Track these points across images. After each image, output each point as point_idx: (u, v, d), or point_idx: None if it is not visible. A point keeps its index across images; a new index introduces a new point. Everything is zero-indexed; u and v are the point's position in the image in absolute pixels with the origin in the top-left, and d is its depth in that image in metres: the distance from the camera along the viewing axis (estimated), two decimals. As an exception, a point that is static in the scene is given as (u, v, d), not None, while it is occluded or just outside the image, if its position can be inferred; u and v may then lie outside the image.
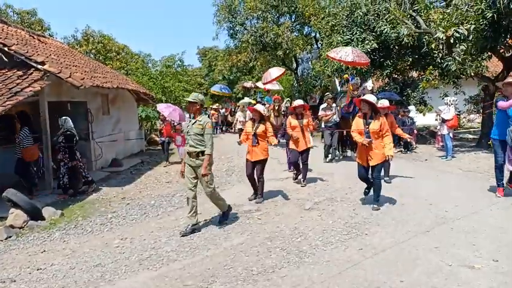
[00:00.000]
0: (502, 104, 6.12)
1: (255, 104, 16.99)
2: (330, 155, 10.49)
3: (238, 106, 19.10)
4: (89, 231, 5.93)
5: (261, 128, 6.70)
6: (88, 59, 14.88)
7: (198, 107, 5.56)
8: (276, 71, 13.95)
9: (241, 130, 16.75)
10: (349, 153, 11.13)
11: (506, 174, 6.55)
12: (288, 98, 14.89)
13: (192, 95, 5.70)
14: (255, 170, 6.78)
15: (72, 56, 12.28)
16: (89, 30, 22.98)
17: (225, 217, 5.88)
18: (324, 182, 8.07)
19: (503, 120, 6.23)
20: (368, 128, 5.95)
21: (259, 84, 17.42)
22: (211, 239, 5.22)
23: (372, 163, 5.97)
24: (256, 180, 6.83)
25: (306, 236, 5.08)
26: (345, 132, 10.71)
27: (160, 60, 22.69)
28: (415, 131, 12.19)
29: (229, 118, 21.34)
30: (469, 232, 4.89)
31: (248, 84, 22.41)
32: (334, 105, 10.47)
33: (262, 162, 6.80)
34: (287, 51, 21.08)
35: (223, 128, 22.47)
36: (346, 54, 10.14)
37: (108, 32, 34.53)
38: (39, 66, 8.19)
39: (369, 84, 9.34)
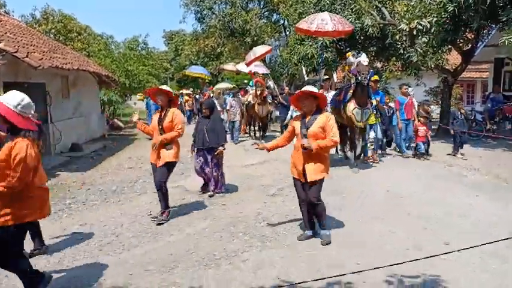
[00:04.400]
0: None
1: (237, 89, 14.96)
2: None
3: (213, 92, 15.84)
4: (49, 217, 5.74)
5: None
6: (47, 38, 14.21)
7: None
8: (259, 49, 12.30)
9: None
10: (348, 153, 8.79)
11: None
12: (270, 78, 12.98)
13: None
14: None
15: (30, 35, 11.68)
16: (49, 9, 21.91)
17: None
18: (287, 168, 8.14)
19: None
20: (306, 131, 4.26)
21: (240, 66, 15.82)
22: (174, 224, 5.19)
23: (308, 178, 4.30)
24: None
25: (269, 221, 5.15)
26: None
27: (124, 42, 21.88)
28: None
29: None
30: (423, 217, 5.12)
31: (229, 67, 18.94)
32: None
33: None
34: (255, 38, 20.97)
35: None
36: (323, 22, 7.79)
37: (69, 12, 33.06)
38: (-7, 44, 7.76)
39: (363, 59, 7.19)
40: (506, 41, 8.67)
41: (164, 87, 5.47)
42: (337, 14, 12.37)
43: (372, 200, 5.90)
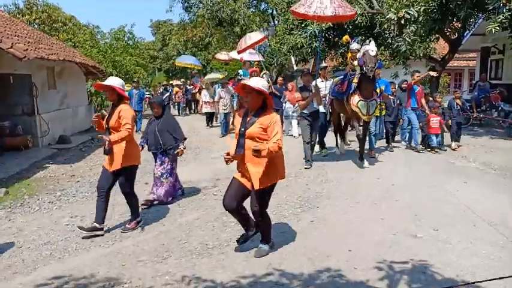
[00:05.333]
0: None
1: (229, 79, 14.70)
2: (312, 157, 7.53)
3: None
4: (36, 209, 5.70)
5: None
6: (32, 29, 13.92)
7: None
8: (253, 36, 11.43)
9: (209, 115, 13.90)
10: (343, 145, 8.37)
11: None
12: (266, 71, 12.22)
13: None
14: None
15: (14, 26, 11.43)
16: (32, -2, 21.43)
17: None
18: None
19: None
20: (244, 131, 3.70)
21: (233, 54, 14.98)
22: (166, 215, 5.20)
23: (254, 185, 3.71)
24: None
25: (261, 211, 5.17)
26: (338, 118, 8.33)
27: (109, 32, 21.54)
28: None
29: (198, 96, 17.10)
30: (413, 204, 5.20)
31: (222, 56, 17.67)
32: (313, 84, 7.50)
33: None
34: (244, 28, 20.84)
35: (192, 109, 19.47)
36: (322, 6, 6.90)
37: (53, 1, 32.28)
38: (-24, 35, 7.58)
39: (372, 48, 6.54)
40: (493, 29, 8.77)
41: (109, 81, 4.59)
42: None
43: (362, 188, 5.97)
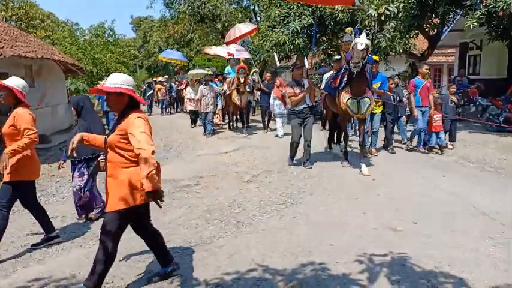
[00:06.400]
0: None
1: (214, 75, 14.14)
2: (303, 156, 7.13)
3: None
4: (15, 210, 5.54)
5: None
6: (8, 26, 13.58)
7: None
8: (244, 27, 11.14)
9: (193, 113, 12.72)
10: (338, 147, 7.91)
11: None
12: (256, 69, 11.89)
13: None
14: None
15: (-11, 22, 11.16)
16: (8, -6, 20.89)
17: None
18: (261, 155, 8.22)
19: None
20: (107, 136, 3.07)
21: (218, 50, 14.49)
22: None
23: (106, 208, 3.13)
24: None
25: (244, 207, 5.20)
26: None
27: (89, 29, 21.23)
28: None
29: (184, 94, 15.37)
30: (393, 198, 5.28)
31: (211, 50, 16.30)
32: (326, 76, 7.01)
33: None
34: (226, 24, 20.74)
35: (177, 107, 18.41)
36: None
37: (30, -3, 31.62)
38: (-51, 32, 7.36)
39: (360, 41, 5.84)
40: (471, 25, 8.95)
41: (8, 81, 3.97)
42: None
43: (344, 184, 6.03)
